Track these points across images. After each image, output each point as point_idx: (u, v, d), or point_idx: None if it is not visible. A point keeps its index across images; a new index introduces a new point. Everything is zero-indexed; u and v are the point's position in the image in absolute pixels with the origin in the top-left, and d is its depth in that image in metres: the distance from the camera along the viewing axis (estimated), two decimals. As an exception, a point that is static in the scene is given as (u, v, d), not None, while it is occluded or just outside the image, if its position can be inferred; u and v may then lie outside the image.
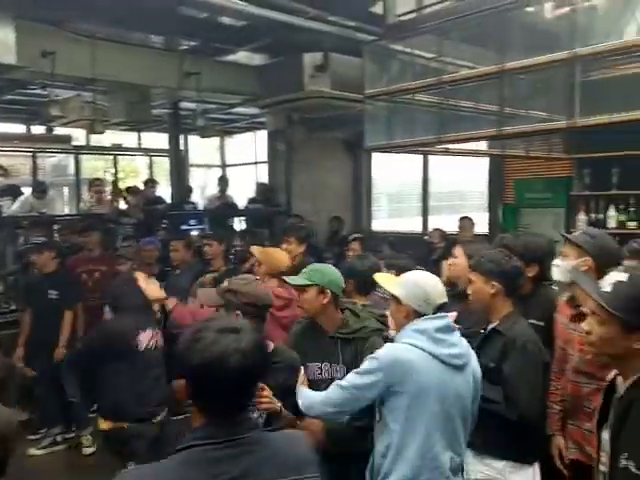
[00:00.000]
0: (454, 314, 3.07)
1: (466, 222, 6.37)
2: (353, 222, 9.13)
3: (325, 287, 2.74)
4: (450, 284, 3.26)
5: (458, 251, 3.33)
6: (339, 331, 2.76)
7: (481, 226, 7.19)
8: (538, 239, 3.25)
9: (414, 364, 2.14)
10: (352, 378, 2.24)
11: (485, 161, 7.65)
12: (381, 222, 9.87)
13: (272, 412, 2.38)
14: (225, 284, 2.72)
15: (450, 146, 5.16)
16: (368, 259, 3.59)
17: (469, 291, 2.77)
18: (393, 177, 10.31)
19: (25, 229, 6.20)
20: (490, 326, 2.71)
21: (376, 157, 9.30)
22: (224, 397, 1.35)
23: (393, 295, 2.34)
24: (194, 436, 1.34)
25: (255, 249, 4.04)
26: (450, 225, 6.97)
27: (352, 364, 2.65)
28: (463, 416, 2.24)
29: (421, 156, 8.39)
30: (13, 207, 7.07)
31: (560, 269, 2.84)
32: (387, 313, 2.89)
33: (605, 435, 1.73)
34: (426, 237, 6.60)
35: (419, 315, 2.26)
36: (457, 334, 2.30)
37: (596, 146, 5.61)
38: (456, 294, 3.15)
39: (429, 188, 8.82)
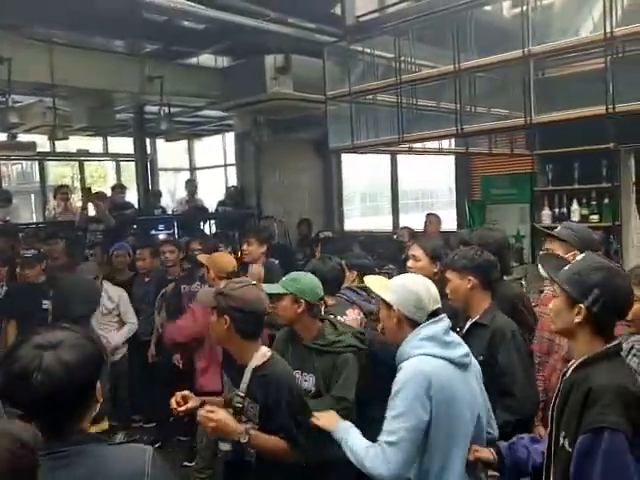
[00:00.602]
0: None
1: (432, 218, 6.42)
2: (325, 222, 9.14)
3: (299, 296, 2.71)
4: None
5: (417, 251, 3.32)
6: (314, 341, 2.73)
7: (449, 223, 7.26)
8: (493, 233, 3.30)
9: (438, 374, 2.05)
10: (397, 426, 2.01)
11: (451, 159, 7.73)
12: (354, 221, 9.91)
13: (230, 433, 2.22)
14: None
15: (414, 145, 5.21)
16: (330, 260, 3.59)
17: (447, 290, 2.78)
18: (364, 177, 10.36)
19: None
20: (471, 321, 2.74)
21: (346, 157, 9.32)
22: (35, 412, 1.30)
23: (383, 300, 2.25)
24: None
25: (201, 256, 4.10)
26: (419, 223, 7.02)
27: (326, 377, 2.67)
28: (478, 414, 2.18)
29: (389, 156, 8.43)
30: (-24, 216, 6.93)
31: None
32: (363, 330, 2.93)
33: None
34: (395, 236, 6.63)
35: (411, 322, 2.17)
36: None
37: (557, 142, 5.70)
38: None
39: (398, 187, 8.85)
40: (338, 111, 5.24)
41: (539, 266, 1.97)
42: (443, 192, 9.62)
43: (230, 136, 10.30)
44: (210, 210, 8.75)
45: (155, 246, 5.52)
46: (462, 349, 2.18)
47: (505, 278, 3.32)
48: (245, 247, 4.44)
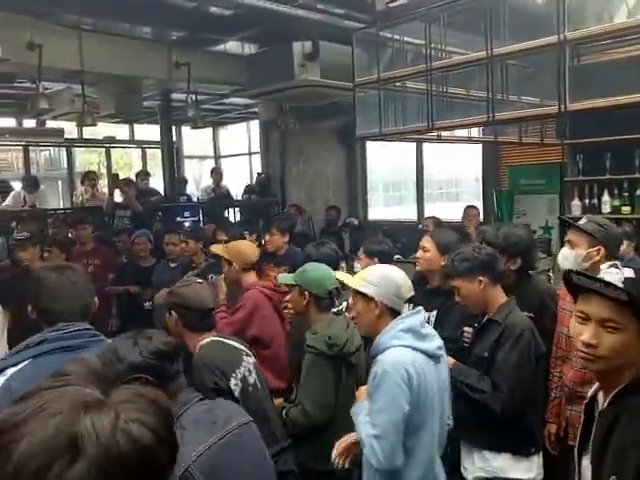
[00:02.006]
0: (434, 313, 3.07)
1: (472, 210, 6.31)
2: (349, 211, 9.10)
3: (304, 288, 2.70)
4: (422, 278, 3.21)
5: (428, 242, 3.23)
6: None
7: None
8: (518, 230, 3.20)
9: (415, 366, 2.07)
10: (381, 419, 2.05)
11: (479, 148, 7.62)
12: (377, 211, 9.85)
13: None
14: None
15: (442, 133, 5.14)
16: (325, 246, 3.55)
17: (458, 298, 2.70)
18: (387, 166, 10.28)
19: (18, 223, 6.17)
20: (486, 317, 2.67)
21: (371, 145, 9.26)
22: None
23: (361, 293, 2.21)
24: None
25: (216, 248, 3.81)
26: (445, 213, 6.95)
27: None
28: (445, 404, 2.25)
29: (414, 144, 8.35)
30: (5, 202, 7.04)
31: (569, 258, 2.76)
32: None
33: (585, 461, 1.48)
34: (420, 225, 6.56)
35: (392, 312, 2.18)
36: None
37: (589, 131, 5.58)
38: (433, 290, 3.15)
39: (424, 176, 8.76)
40: (365, 98, 5.19)
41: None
42: (469, 182, 9.50)
43: (255, 124, 10.30)
44: (235, 198, 8.76)
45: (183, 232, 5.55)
46: (437, 341, 2.22)
47: (531, 272, 3.26)
48: (268, 237, 4.43)
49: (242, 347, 2.55)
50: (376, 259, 3.65)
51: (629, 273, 1.43)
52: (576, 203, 5.89)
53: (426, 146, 8.48)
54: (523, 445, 2.59)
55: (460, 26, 4.88)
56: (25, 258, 4.72)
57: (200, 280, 2.62)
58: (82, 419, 0.67)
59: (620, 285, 1.35)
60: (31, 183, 7.20)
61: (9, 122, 9.46)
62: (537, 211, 6.58)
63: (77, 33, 5.31)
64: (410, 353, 2.09)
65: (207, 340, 2.44)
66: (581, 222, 2.86)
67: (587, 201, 5.85)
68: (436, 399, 2.13)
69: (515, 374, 2.46)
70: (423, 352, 2.12)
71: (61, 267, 2.01)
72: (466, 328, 2.83)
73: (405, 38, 4.92)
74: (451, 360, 2.65)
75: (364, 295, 2.20)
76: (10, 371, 1.70)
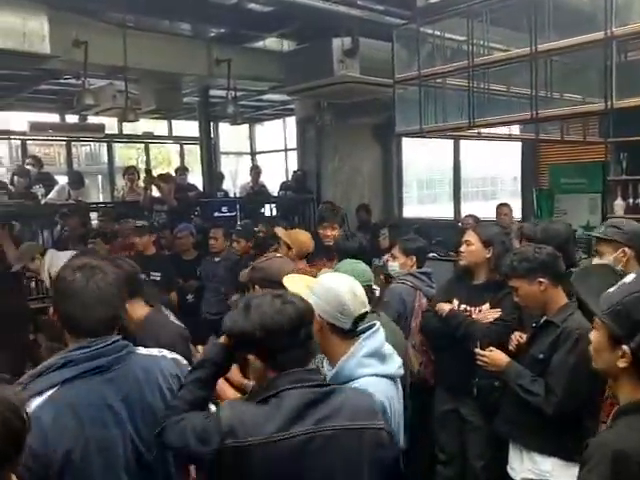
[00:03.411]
0: (486, 306, 3.05)
1: (505, 209, 6.23)
2: (383, 209, 9.08)
3: None
4: (467, 272, 3.22)
5: (471, 236, 3.20)
6: None
7: (514, 212, 7.06)
8: (556, 226, 3.17)
9: (388, 396, 1.91)
10: None
11: (517, 146, 7.51)
12: (411, 208, 9.80)
13: None
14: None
15: (483, 130, 5.08)
16: (354, 239, 3.53)
17: (516, 298, 2.66)
18: (423, 163, 10.22)
19: (62, 216, 6.33)
20: (544, 318, 2.62)
21: (406, 143, 9.20)
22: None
23: None
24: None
25: (280, 231, 4.06)
26: (482, 211, 6.86)
27: None
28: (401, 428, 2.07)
29: (452, 142, 8.27)
30: (50, 195, 7.22)
31: None
32: None
33: None
34: (460, 223, 6.50)
35: (336, 329, 1.90)
36: None
37: (633, 129, 5.45)
38: (480, 285, 3.14)
39: (461, 174, 8.66)
40: (404, 95, 5.16)
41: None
42: (507, 180, 9.39)
43: (291, 120, 10.35)
44: (271, 194, 8.83)
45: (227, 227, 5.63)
46: (397, 360, 2.05)
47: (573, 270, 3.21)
48: (329, 232, 4.36)
49: None
50: (413, 257, 3.65)
51: (630, 278, 1.40)
52: (619, 203, 5.76)
53: (463, 143, 8.39)
54: (575, 451, 2.55)
55: (502, 22, 4.82)
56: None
57: (280, 255, 2.65)
58: None
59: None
60: (76, 180, 7.38)
61: (53, 117, 9.70)
62: (578, 211, 6.45)
63: (121, 30, 5.40)
64: (379, 382, 1.90)
65: None
66: (600, 230, 2.83)
67: (630, 200, 5.72)
68: (401, 421, 2.03)
69: (570, 378, 2.41)
70: (389, 377, 1.97)
71: (89, 267, 1.65)
72: (517, 333, 2.80)
73: (446, 34, 4.90)
74: (505, 359, 2.64)
75: None
76: (35, 402, 1.46)
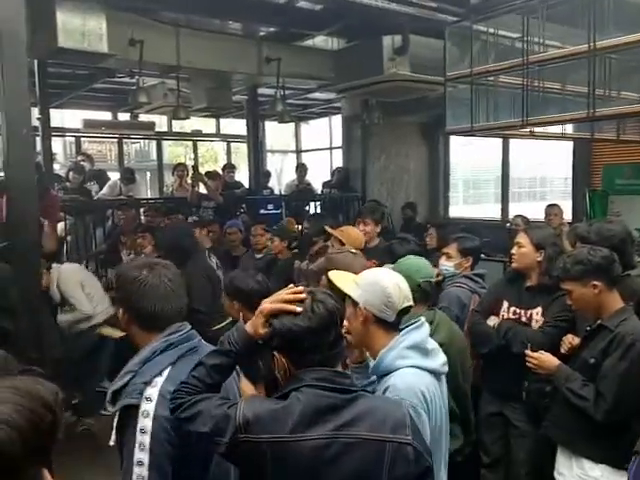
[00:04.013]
0: (538, 310, 2.98)
1: (555, 209, 6.08)
2: (429, 208, 9.00)
3: None
4: (517, 275, 3.14)
5: (523, 238, 3.11)
6: None
7: (564, 214, 6.90)
8: (612, 226, 3.04)
9: (427, 389, 1.90)
10: None
11: (569, 145, 7.33)
12: (457, 209, 9.68)
13: None
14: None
15: (535, 129, 4.99)
16: (408, 243, 3.51)
17: (569, 301, 2.60)
18: (469, 163, 10.07)
19: (121, 208, 6.50)
20: (598, 322, 2.54)
21: (452, 142, 9.10)
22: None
23: (349, 296, 1.97)
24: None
25: (331, 230, 4.00)
26: (530, 212, 6.72)
27: None
28: (446, 426, 2.07)
29: (500, 141, 8.13)
30: (103, 191, 7.43)
31: None
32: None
33: None
34: (508, 224, 6.39)
35: (382, 323, 1.93)
36: None
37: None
38: (533, 287, 3.06)
39: (509, 174, 8.51)
40: (454, 93, 5.11)
41: None
42: (556, 181, 9.16)
43: (336, 119, 10.36)
44: (316, 192, 8.86)
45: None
46: (441, 357, 2.06)
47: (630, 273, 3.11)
48: (362, 227, 4.37)
49: None
50: (470, 258, 3.59)
51: None
52: (678, 205, 5.57)
53: (511, 142, 8.24)
54: (625, 458, 2.48)
55: (558, 18, 4.72)
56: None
57: (354, 250, 2.65)
58: None
59: None
60: (128, 176, 7.57)
61: (105, 115, 9.98)
62: (634, 212, 6.24)
63: (175, 30, 5.51)
64: (421, 374, 1.92)
65: None
66: None
67: (690, 203, 5.52)
68: (443, 421, 2.00)
69: (621, 385, 2.35)
70: (430, 371, 1.96)
71: (153, 264, 1.79)
72: (569, 336, 2.74)
73: (499, 31, 4.82)
74: (556, 361, 2.59)
75: (353, 300, 1.95)
76: (160, 380, 1.65)
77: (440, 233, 4.88)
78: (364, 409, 1.50)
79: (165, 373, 1.66)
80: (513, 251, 3.14)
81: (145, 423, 1.57)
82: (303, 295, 1.57)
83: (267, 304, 1.59)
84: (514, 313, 3.07)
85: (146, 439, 1.56)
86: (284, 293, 1.59)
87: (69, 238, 6.35)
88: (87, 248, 6.36)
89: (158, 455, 1.56)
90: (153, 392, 1.62)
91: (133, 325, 1.77)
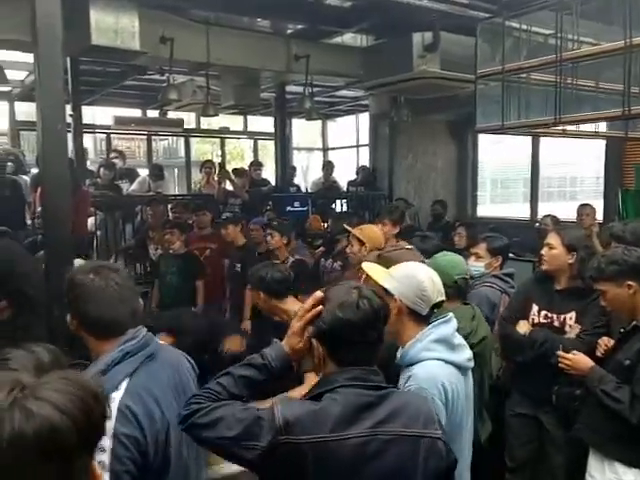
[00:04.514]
0: (572, 314, 2.92)
1: (588, 209, 5.96)
2: (457, 207, 8.92)
3: None
4: (547, 276, 3.06)
5: (554, 239, 3.01)
6: None
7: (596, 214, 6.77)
8: None
9: (450, 381, 1.92)
10: None
11: (601, 144, 7.20)
12: (484, 208, 9.58)
13: None
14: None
15: (568, 127, 4.91)
16: (429, 239, 3.49)
17: (603, 302, 2.54)
18: (497, 162, 9.96)
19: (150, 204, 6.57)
20: (633, 323, 2.49)
21: (481, 140, 9.00)
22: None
23: (384, 288, 1.99)
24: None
25: (350, 227, 3.98)
26: (559, 211, 6.62)
27: None
28: (471, 421, 2.11)
29: (529, 140, 8.02)
30: (132, 187, 7.53)
31: None
32: None
33: None
34: (537, 224, 6.30)
35: (413, 314, 1.97)
36: None
37: None
38: (564, 291, 2.98)
39: (539, 173, 8.38)
40: (484, 90, 5.05)
41: None
42: (588, 180, 9.01)
43: (363, 116, 10.34)
44: (342, 190, 8.85)
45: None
46: (467, 352, 2.07)
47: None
48: (380, 227, 4.37)
49: None
50: (500, 257, 3.55)
51: None
52: None
53: (541, 141, 8.12)
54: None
55: (590, 14, 4.63)
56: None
57: (410, 246, 2.62)
58: None
59: None
60: (157, 172, 7.66)
61: (135, 112, 10.10)
62: (668, 213, 6.12)
63: (205, 27, 5.54)
64: (445, 367, 1.94)
65: None
66: None
67: None
68: (464, 415, 2.01)
69: None
70: (455, 365, 1.98)
71: (100, 268, 1.71)
72: (604, 338, 2.69)
73: (532, 28, 4.75)
74: (589, 363, 2.54)
75: (387, 292, 1.97)
76: (118, 394, 1.55)
77: (469, 232, 4.83)
78: (397, 405, 1.50)
79: (123, 386, 1.57)
80: (543, 252, 3.06)
81: (103, 442, 1.39)
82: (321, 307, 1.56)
83: (296, 322, 1.59)
84: (545, 317, 2.99)
85: (105, 458, 1.46)
86: (307, 304, 1.59)
87: (99, 233, 6.46)
88: (116, 243, 6.46)
89: (118, 473, 1.48)
90: (111, 408, 1.47)
91: (82, 331, 1.69)
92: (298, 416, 1.41)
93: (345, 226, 4.20)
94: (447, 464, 1.52)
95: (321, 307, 1.55)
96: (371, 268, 2.16)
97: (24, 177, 6.55)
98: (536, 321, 3.00)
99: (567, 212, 6.72)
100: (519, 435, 3.14)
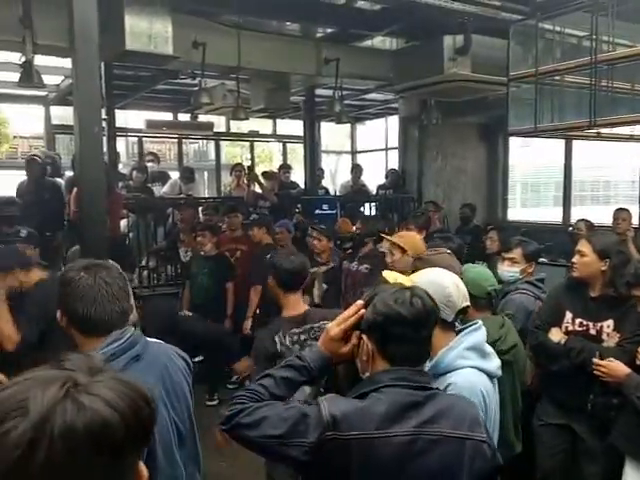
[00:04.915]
0: (610, 322, 2.86)
1: (624, 214, 5.81)
2: (487, 211, 8.83)
3: None
4: (580, 285, 2.98)
5: (584, 246, 2.93)
6: None
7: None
8: None
9: (486, 390, 1.92)
10: None
11: (637, 147, 7.04)
12: (514, 212, 9.47)
13: None
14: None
15: (602, 130, 4.83)
16: (453, 241, 3.48)
17: None
18: (527, 165, 9.84)
19: (179, 208, 6.67)
20: None
21: (511, 144, 8.90)
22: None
23: None
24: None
25: (391, 237, 3.83)
26: (593, 217, 6.50)
27: None
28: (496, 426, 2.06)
29: (561, 143, 7.90)
30: (163, 190, 7.63)
31: None
32: None
33: None
34: (570, 228, 6.20)
35: (440, 321, 1.87)
36: None
37: None
38: (597, 298, 2.90)
39: (572, 176, 8.24)
40: (516, 93, 5.01)
41: None
42: (622, 184, 8.84)
43: (392, 119, 10.31)
44: (371, 193, 8.84)
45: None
46: (496, 360, 2.04)
47: None
48: (404, 233, 4.34)
49: None
50: (533, 263, 3.50)
51: None
52: None
53: (574, 144, 7.98)
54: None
55: (627, 16, 4.56)
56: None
57: (449, 251, 2.61)
58: (37, 388, 0.70)
59: None
60: (188, 175, 7.76)
61: (166, 116, 10.24)
62: None
63: (236, 32, 5.59)
64: (478, 374, 1.93)
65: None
66: None
67: None
68: (496, 424, 1.99)
69: None
70: (486, 373, 1.97)
71: (91, 266, 1.73)
72: None
73: (565, 29, 4.70)
74: (625, 369, 2.50)
75: None
76: None
77: (501, 237, 4.77)
78: (443, 406, 1.49)
79: None
80: (574, 260, 2.97)
81: None
82: (363, 310, 1.56)
83: (335, 327, 1.59)
84: (580, 325, 2.90)
85: None
86: (349, 311, 1.59)
87: (131, 235, 6.56)
88: (148, 245, 6.55)
89: None
90: None
91: (71, 328, 1.70)
92: (345, 412, 1.41)
93: (383, 235, 4.11)
94: (492, 466, 1.51)
95: (363, 311, 1.55)
96: (391, 276, 2.09)
97: (59, 180, 6.70)
98: (570, 329, 2.92)
99: (600, 216, 6.59)
100: (550, 445, 3.07)
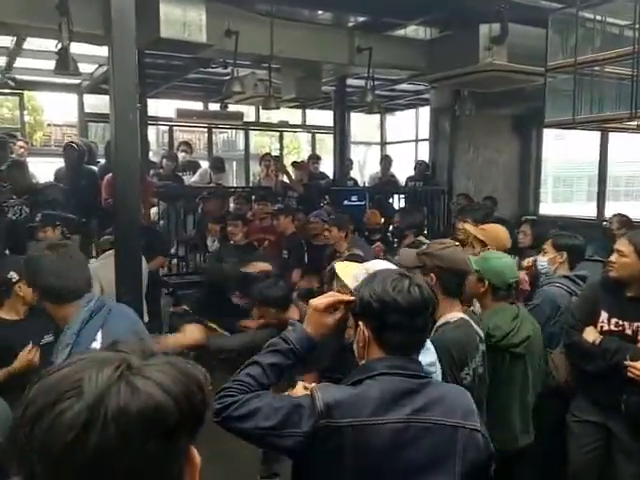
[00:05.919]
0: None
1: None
2: (519, 204, 8.69)
3: (483, 275, 2.68)
4: (618, 284, 2.85)
5: (624, 245, 2.80)
6: None
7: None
8: None
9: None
10: None
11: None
12: (546, 206, 9.30)
13: None
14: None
15: (644, 122, 4.69)
16: None
17: None
18: (560, 158, 9.65)
19: (202, 199, 6.70)
20: None
21: (545, 137, 8.73)
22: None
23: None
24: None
25: (471, 228, 3.67)
26: (629, 212, 6.33)
27: None
28: None
29: (597, 136, 7.70)
30: (193, 179, 7.68)
31: None
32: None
33: None
34: (605, 223, 6.06)
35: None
36: None
37: None
38: (635, 298, 2.79)
39: (607, 170, 8.05)
40: (553, 84, 4.89)
41: None
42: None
43: (424, 110, 10.19)
44: (400, 184, 8.76)
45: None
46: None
47: None
48: (460, 226, 4.22)
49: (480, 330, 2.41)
50: (564, 254, 3.44)
51: None
52: None
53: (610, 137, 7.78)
54: None
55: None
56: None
57: (457, 243, 2.60)
58: (91, 369, 0.70)
59: None
60: (218, 165, 7.79)
61: (197, 105, 10.28)
62: None
63: (269, 20, 5.56)
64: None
65: (457, 316, 2.30)
66: None
67: None
68: None
69: None
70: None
71: (53, 245, 2.05)
72: None
73: (607, 18, 4.56)
74: None
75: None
76: (96, 345, 1.84)
77: (535, 231, 4.66)
78: (436, 395, 1.51)
79: (98, 337, 1.88)
80: (613, 259, 2.85)
81: None
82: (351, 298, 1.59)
83: (318, 300, 1.62)
84: (616, 325, 2.82)
85: None
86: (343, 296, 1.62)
87: (161, 223, 6.61)
88: (177, 233, 6.60)
89: None
90: None
91: (44, 301, 1.99)
92: (338, 399, 1.43)
93: (466, 227, 3.80)
94: (485, 457, 1.52)
95: (354, 297, 1.57)
96: (342, 268, 1.96)
97: (94, 167, 6.79)
98: (605, 328, 2.84)
99: (636, 212, 6.42)
100: (584, 442, 3.01)
